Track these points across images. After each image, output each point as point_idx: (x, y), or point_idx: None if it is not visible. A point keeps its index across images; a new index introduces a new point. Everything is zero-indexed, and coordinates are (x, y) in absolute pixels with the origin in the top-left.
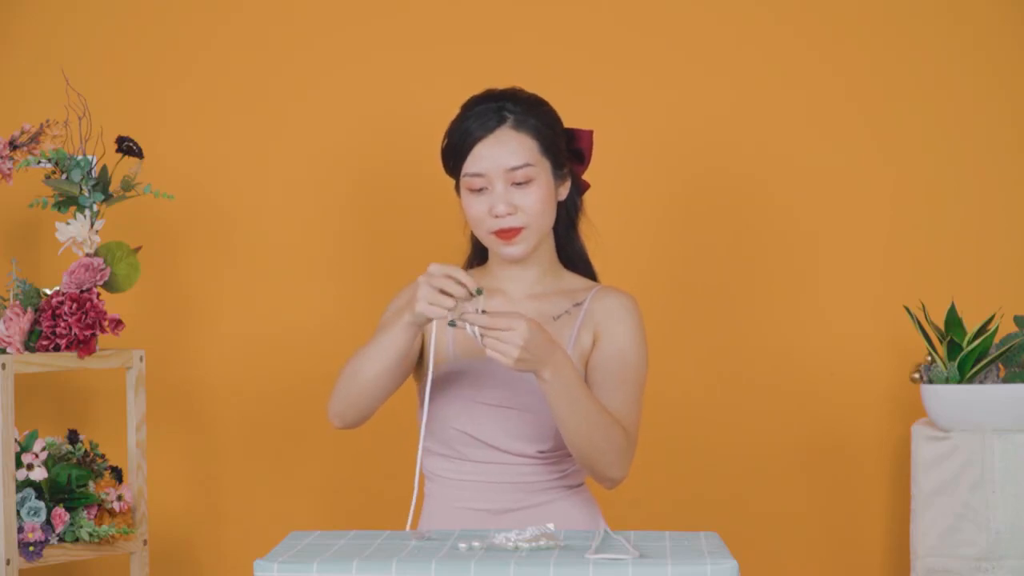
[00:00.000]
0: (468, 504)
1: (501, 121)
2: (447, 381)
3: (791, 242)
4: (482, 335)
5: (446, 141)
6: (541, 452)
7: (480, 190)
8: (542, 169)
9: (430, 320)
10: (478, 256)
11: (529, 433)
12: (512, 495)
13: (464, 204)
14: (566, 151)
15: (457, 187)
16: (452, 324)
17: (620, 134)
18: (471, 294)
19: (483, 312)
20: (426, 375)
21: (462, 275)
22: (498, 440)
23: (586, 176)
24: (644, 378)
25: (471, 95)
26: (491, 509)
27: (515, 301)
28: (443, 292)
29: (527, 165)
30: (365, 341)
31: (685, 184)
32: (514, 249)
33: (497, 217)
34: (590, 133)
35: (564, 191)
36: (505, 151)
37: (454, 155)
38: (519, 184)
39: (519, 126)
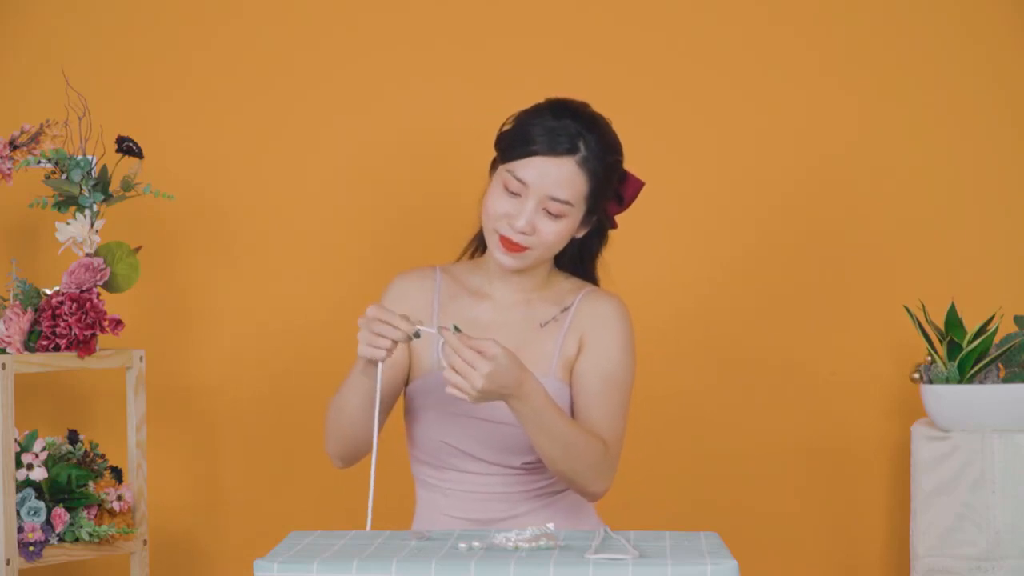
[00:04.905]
0: (454, 513)
1: (572, 151)
2: (431, 391)
3: (791, 242)
4: (446, 359)
5: (511, 128)
6: (526, 464)
7: (514, 193)
8: (577, 210)
9: (373, 361)
10: (483, 242)
11: (513, 445)
12: (497, 505)
13: (489, 192)
14: (610, 196)
15: (493, 165)
16: (416, 336)
17: (621, 134)
18: (409, 337)
19: (457, 330)
20: (410, 380)
21: (396, 319)
22: (482, 452)
23: None
24: (630, 387)
25: (554, 96)
26: (476, 519)
27: (503, 307)
28: (379, 335)
29: (567, 203)
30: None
31: (684, 184)
32: (510, 262)
33: (511, 227)
34: (640, 185)
35: (582, 232)
36: (557, 180)
37: (509, 148)
38: (549, 213)
39: (584, 164)
